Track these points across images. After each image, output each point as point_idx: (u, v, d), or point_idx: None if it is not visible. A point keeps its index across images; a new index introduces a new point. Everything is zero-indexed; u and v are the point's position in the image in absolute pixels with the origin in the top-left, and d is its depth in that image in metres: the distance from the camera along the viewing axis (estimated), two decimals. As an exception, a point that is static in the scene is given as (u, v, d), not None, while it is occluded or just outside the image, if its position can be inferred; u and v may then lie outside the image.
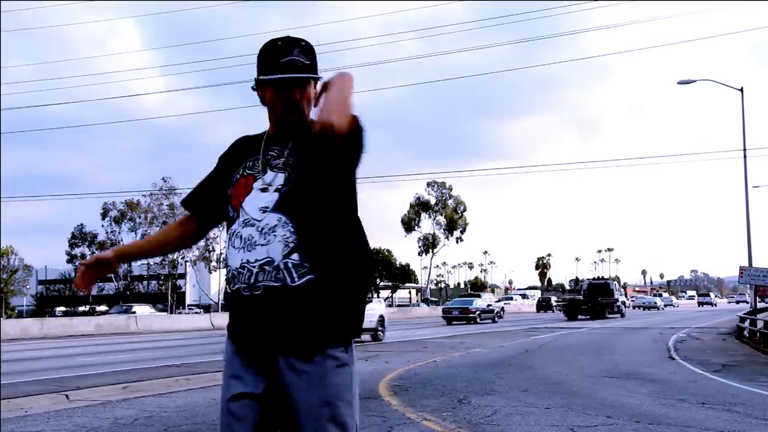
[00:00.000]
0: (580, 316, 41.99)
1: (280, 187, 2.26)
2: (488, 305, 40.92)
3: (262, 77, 2.30)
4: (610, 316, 42.52)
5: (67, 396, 9.54)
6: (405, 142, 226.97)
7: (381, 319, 22.11)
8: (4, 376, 11.69)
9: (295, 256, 2.18)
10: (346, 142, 2.15)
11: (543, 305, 64.94)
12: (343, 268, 2.23)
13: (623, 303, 47.29)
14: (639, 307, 74.58)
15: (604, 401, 9.06)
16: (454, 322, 37.78)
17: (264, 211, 2.24)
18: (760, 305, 32.49)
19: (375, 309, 21.49)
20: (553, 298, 66.67)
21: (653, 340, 22.78)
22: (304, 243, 2.19)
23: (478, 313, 38.41)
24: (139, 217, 71.99)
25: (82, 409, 8.79)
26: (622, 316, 43.76)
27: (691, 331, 27.78)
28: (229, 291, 2.32)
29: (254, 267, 2.21)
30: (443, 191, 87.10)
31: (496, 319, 40.33)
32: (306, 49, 2.30)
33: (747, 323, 23.24)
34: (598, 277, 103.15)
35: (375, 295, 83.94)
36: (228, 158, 2.47)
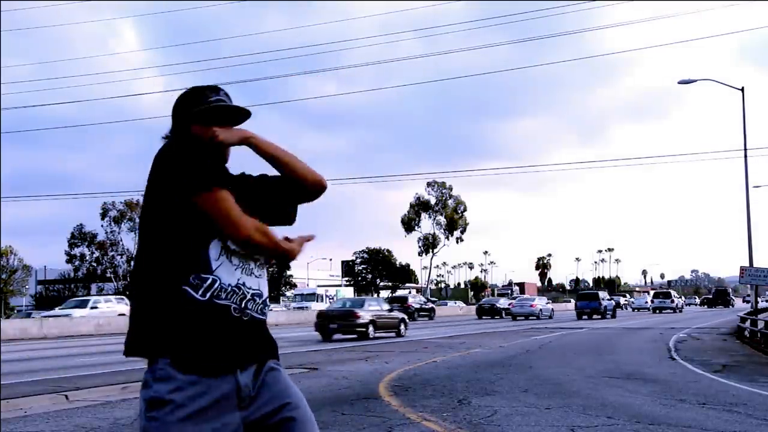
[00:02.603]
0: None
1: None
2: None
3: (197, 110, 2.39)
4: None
5: (66, 396, 9.53)
6: (405, 142, 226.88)
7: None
8: (4, 376, 11.68)
9: (269, 296, 2.40)
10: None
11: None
12: None
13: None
14: (638, 309, 68.43)
15: (604, 401, 9.05)
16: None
17: None
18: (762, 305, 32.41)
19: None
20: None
21: (653, 340, 22.76)
22: (269, 288, 2.43)
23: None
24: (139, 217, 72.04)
25: (81, 409, 8.77)
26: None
27: (692, 332, 27.76)
28: (195, 301, 2.14)
29: (248, 292, 2.27)
30: (443, 191, 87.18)
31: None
32: (226, 94, 2.47)
33: (747, 323, 23.22)
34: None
35: (375, 296, 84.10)
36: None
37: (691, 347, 19.52)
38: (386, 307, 26.89)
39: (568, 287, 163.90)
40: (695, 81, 28.38)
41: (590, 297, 47.44)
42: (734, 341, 22.40)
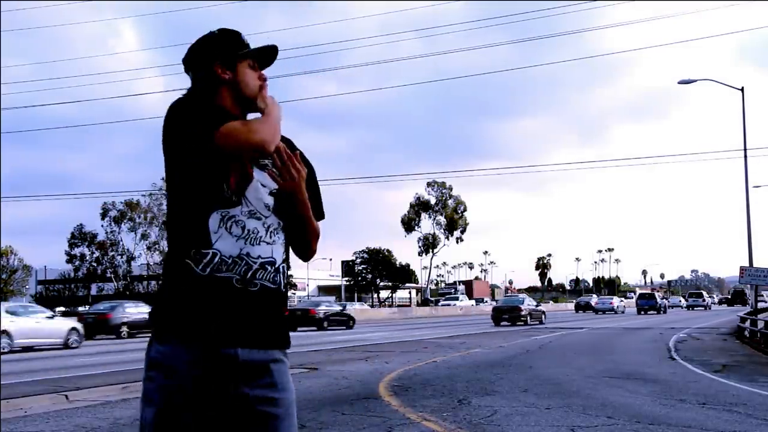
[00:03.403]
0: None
1: (274, 191, 2.24)
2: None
3: (243, 52, 2.27)
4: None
5: (66, 396, 9.53)
6: (405, 142, 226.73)
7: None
8: (4, 376, 11.68)
9: (286, 263, 2.26)
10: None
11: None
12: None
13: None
14: (672, 307, 75.14)
15: (604, 401, 9.05)
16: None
17: (268, 209, 2.23)
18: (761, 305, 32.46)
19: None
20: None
21: (653, 340, 22.76)
22: (287, 252, 2.29)
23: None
24: (139, 217, 72.04)
25: (81, 409, 8.78)
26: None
27: (692, 332, 27.76)
28: (197, 276, 2.12)
29: (255, 263, 2.16)
30: (443, 191, 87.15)
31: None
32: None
33: (747, 323, 23.23)
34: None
35: (375, 296, 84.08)
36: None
37: (691, 347, 19.53)
38: (534, 303, 39.15)
39: (568, 287, 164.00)
40: (695, 81, 28.36)
41: (648, 297, 60.12)
42: (734, 341, 22.40)
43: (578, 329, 30.45)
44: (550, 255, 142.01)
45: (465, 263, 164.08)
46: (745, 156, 27.40)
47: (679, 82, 28.50)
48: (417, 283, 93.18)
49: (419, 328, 32.88)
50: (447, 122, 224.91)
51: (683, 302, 78.17)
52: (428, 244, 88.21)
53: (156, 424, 2.10)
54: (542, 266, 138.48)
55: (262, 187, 2.22)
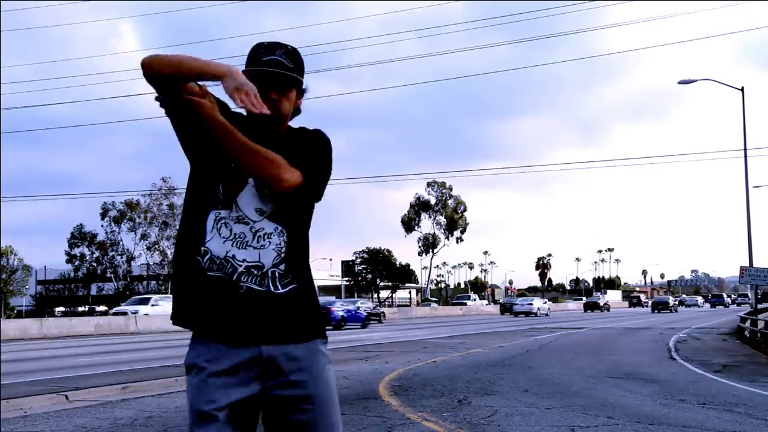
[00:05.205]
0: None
1: (268, 198, 2.27)
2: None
3: (247, 69, 2.30)
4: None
5: (66, 396, 9.52)
6: (405, 142, 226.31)
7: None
8: (4, 376, 11.67)
9: (282, 266, 2.26)
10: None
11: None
12: (311, 279, 2.38)
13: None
14: (690, 306, 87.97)
15: (604, 401, 9.05)
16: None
17: (260, 214, 2.27)
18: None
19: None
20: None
21: (654, 340, 22.76)
22: (290, 255, 2.28)
23: None
24: (139, 217, 72.03)
25: (81, 409, 8.77)
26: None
27: (692, 332, 27.77)
28: (194, 271, 2.22)
29: (240, 265, 2.22)
30: (443, 191, 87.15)
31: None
32: (291, 53, 2.32)
33: (748, 323, 23.22)
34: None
35: (375, 296, 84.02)
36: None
37: (691, 347, 19.53)
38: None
39: (568, 287, 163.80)
40: (695, 81, 28.37)
41: (718, 296, 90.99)
42: (734, 341, 22.41)
43: (578, 329, 30.45)
44: (550, 255, 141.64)
45: (465, 263, 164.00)
46: (745, 156, 27.44)
47: (679, 82, 28.52)
48: (417, 283, 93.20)
49: (419, 328, 32.89)
50: (447, 122, 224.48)
51: (700, 301, 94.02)
52: (428, 244, 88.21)
53: (192, 425, 2.21)
54: (542, 266, 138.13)
55: (258, 193, 2.26)
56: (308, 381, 2.25)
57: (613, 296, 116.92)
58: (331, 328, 31.70)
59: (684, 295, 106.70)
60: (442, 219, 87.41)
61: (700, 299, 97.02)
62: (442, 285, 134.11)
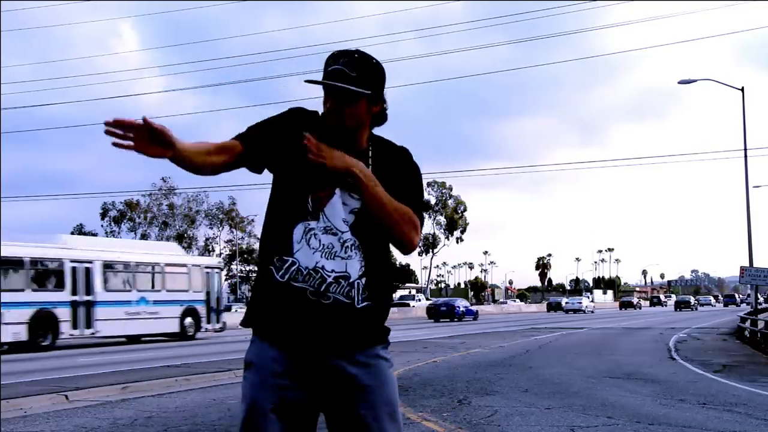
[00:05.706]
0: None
1: (355, 209, 2.28)
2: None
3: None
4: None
5: (66, 396, 9.52)
6: (405, 142, 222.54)
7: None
8: (4, 376, 11.67)
9: (363, 280, 2.28)
10: None
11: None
12: (388, 298, 2.41)
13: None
14: (703, 305, 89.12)
15: (604, 401, 9.05)
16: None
17: (346, 225, 2.28)
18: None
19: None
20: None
21: (654, 340, 22.77)
22: (369, 270, 2.30)
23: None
24: (139, 217, 72.04)
25: (81, 409, 8.78)
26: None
27: (692, 332, 27.77)
28: (276, 281, 2.25)
29: (329, 276, 2.24)
30: (443, 191, 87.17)
31: None
32: (355, 61, 2.27)
33: (748, 323, 23.22)
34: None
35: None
36: (291, 127, 2.31)
37: (691, 347, 19.53)
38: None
39: (568, 287, 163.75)
40: (695, 81, 28.34)
41: (731, 296, 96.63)
42: (734, 341, 22.41)
43: (578, 329, 30.45)
44: (550, 255, 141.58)
45: (465, 263, 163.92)
46: (745, 156, 27.41)
47: (679, 82, 28.48)
48: (417, 283, 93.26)
49: (419, 328, 32.88)
50: (447, 122, 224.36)
51: (713, 301, 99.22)
52: (428, 244, 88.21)
53: (245, 418, 2.26)
54: (542, 266, 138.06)
55: (342, 205, 2.28)
56: (372, 385, 2.28)
57: (606, 297, 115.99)
58: None
59: (700, 297, 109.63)
60: (442, 219, 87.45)
61: (712, 299, 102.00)
62: (442, 285, 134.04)
